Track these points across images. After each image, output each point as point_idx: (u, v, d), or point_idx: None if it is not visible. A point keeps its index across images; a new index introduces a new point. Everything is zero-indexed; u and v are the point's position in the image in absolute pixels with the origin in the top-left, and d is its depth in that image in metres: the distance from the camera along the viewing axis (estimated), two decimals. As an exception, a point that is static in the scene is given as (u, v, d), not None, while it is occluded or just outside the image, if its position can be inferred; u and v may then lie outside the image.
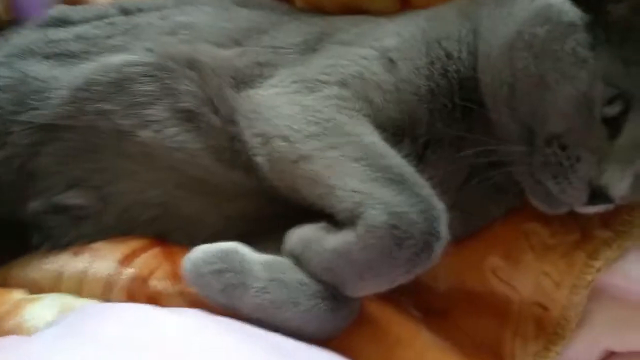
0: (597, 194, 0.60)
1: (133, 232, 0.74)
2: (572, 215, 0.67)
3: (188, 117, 0.70)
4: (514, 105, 0.64)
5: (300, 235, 0.63)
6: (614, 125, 0.60)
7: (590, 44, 0.61)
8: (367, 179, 0.60)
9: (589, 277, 0.65)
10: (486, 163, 0.68)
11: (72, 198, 0.74)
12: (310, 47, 0.74)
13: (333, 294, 0.60)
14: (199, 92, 0.70)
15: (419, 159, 0.67)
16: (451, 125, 0.67)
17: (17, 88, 0.73)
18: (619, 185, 0.60)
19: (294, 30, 0.77)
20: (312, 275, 0.60)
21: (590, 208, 0.63)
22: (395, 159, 0.62)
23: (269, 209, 0.69)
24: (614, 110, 0.60)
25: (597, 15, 0.62)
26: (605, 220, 0.68)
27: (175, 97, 0.71)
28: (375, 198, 0.58)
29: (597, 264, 0.65)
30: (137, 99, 0.71)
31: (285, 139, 0.64)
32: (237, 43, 0.75)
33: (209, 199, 0.71)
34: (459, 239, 0.72)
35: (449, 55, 0.69)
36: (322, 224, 0.62)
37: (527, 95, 0.62)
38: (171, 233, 0.74)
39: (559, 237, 0.68)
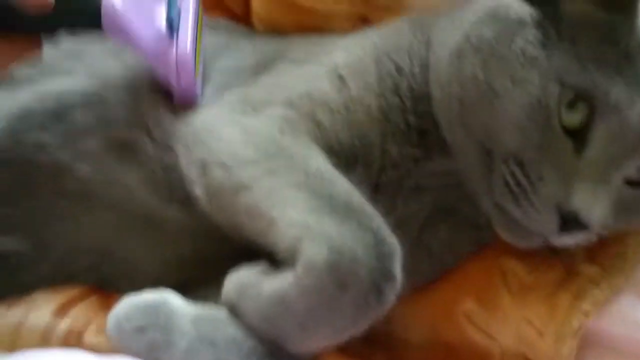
0: (569, 220, 0.52)
1: (73, 280, 0.67)
2: (554, 248, 0.59)
3: (123, 147, 0.64)
4: (467, 121, 0.56)
5: (237, 280, 0.55)
6: (579, 137, 0.52)
7: (542, 42, 0.53)
8: (309, 209, 0.52)
9: (576, 323, 0.56)
10: (452, 193, 0.61)
11: (6, 244, 0.67)
12: (262, 68, 0.68)
13: (273, 351, 0.52)
14: (134, 119, 0.64)
15: (374, 188, 0.60)
16: (407, 149, 0.60)
17: None
18: (592, 208, 0.51)
19: (247, 51, 0.71)
20: (249, 328, 0.52)
21: (565, 238, 0.54)
22: (342, 186, 0.54)
23: (213, 250, 0.61)
24: (576, 117, 0.52)
25: (549, 12, 0.55)
26: (591, 253, 0.59)
27: (110, 126, 0.64)
28: (315, 231, 0.50)
29: (585, 306, 0.56)
30: (74, 130, 0.64)
31: (223, 166, 0.56)
32: None
33: (148, 241, 0.64)
34: (429, 282, 0.64)
35: (399, 70, 0.62)
36: (261, 266, 0.54)
37: (478, 107, 0.55)
38: (112, 280, 0.66)
39: (538, 275, 0.59)
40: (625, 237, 0.60)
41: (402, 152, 0.60)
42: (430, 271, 0.64)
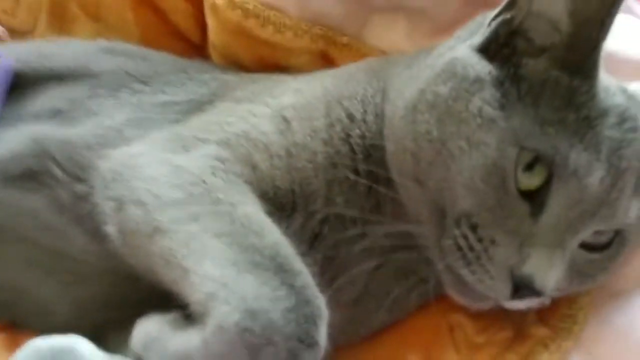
0: (523, 286, 0.49)
1: None
2: (506, 311, 0.57)
3: (31, 176, 0.60)
4: (420, 177, 0.53)
5: (144, 331, 0.51)
6: (536, 201, 0.50)
7: (500, 103, 0.51)
8: (227, 263, 0.48)
9: (523, 386, 0.54)
10: (402, 246, 0.57)
11: None
12: (198, 106, 0.64)
13: None
14: (42, 152, 0.61)
15: (315, 237, 0.56)
16: (354, 201, 0.57)
17: None
18: (547, 275, 0.49)
19: (185, 87, 0.67)
20: None
21: (517, 303, 0.52)
22: (270, 237, 0.50)
23: (129, 292, 0.57)
24: (534, 180, 0.50)
25: (510, 71, 0.52)
26: (542, 314, 0.57)
27: (14, 160, 0.61)
28: (230, 289, 0.46)
29: (532, 368, 0.54)
30: None
31: (141, 205, 0.52)
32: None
33: (59, 279, 0.60)
34: (374, 335, 0.61)
35: (350, 117, 0.58)
36: (171, 316, 0.50)
37: (432, 165, 0.52)
38: (25, 319, 0.62)
39: (487, 335, 0.57)
40: (577, 299, 0.57)
41: (349, 202, 0.57)
42: (379, 322, 0.61)
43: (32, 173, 0.60)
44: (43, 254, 0.61)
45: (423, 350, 0.59)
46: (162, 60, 0.73)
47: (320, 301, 0.47)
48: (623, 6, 0.66)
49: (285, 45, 0.74)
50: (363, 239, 0.57)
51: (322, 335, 0.47)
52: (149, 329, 0.51)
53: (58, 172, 0.60)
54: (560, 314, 0.57)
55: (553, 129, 0.50)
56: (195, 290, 0.48)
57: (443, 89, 0.53)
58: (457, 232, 0.51)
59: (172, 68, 0.70)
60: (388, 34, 0.74)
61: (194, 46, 0.81)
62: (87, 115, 0.64)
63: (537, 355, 0.55)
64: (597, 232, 0.53)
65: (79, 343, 0.50)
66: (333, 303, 0.58)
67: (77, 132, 0.61)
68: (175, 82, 0.67)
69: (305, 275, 0.48)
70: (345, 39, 0.74)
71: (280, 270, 0.48)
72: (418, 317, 0.61)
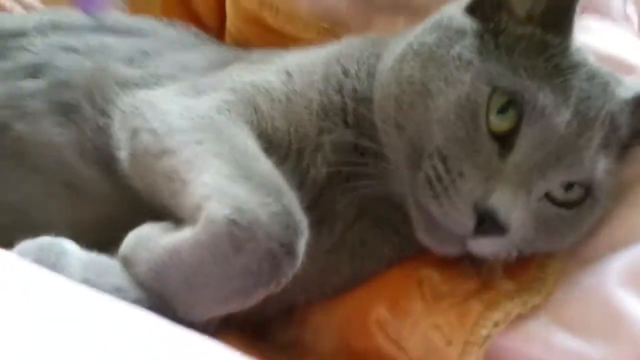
0: (486, 220, 0.51)
1: None
2: (475, 265, 0.58)
3: (65, 110, 0.64)
4: (401, 121, 0.57)
5: (137, 233, 0.53)
6: (507, 142, 0.53)
7: (478, 50, 0.56)
8: (224, 175, 0.51)
9: (484, 332, 0.53)
10: (381, 199, 0.60)
11: None
12: (214, 68, 0.70)
13: (160, 307, 0.48)
14: (84, 86, 0.65)
15: (302, 181, 0.59)
16: (340, 150, 0.60)
17: None
18: (510, 210, 0.51)
19: (205, 53, 0.74)
20: (138, 281, 0.50)
21: (483, 243, 0.53)
22: (264, 163, 0.54)
23: (128, 216, 0.58)
24: (505, 122, 0.53)
25: (490, 26, 0.58)
26: (511, 272, 0.57)
27: (57, 88, 0.65)
28: (224, 192, 0.49)
29: (495, 316, 0.54)
30: (20, 91, 0.65)
31: (153, 132, 0.57)
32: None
33: (65, 204, 0.63)
34: (348, 287, 0.63)
35: (345, 72, 0.64)
36: (164, 224, 0.53)
37: (412, 107, 0.56)
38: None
39: (454, 285, 0.57)
40: (549, 263, 0.58)
41: (336, 149, 0.61)
42: (351, 273, 0.62)
43: (68, 107, 0.65)
44: (55, 185, 0.64)
45: (390, 301, 0.59)
46: (195, 33, 0.80)
47: (303, 218, 0.50)
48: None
49: (295, 36, 0.81)
50: (346, 187, 0.60)
51: (300, 247, 0.49)
52: (141, 232, 0.54)
53: (88, 108, 0.64)
54: (531, 275, 0.58)
55: (525, 73, 0.54)
56: (191, 197, 0.51)
57: (429, 38, 0.59)
58: (428, 164, 0.54)
59: (200, 39, 0.79)
60: (389, 32, 0.80)
61: (210, 31, 0.87)
62: (140, 62, 0.69)
63: (501, 304, 0.55)
64: (567, 188, 0.55)
65: (65, 241, 0.53)
66: (309, 250, 0.61)
67: (126, 72, 0.66)
68: (200, 49, 0.75)
69: (292, 196, 0.51)
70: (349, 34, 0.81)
71: (271, 187, 0.51)
72: (390, 273, 0.62)
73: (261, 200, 0.49)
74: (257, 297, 0.49)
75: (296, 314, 0.63)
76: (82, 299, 0.43)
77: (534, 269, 0.58)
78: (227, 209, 0.47)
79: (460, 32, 0.58)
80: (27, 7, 0.89)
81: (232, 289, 0.48)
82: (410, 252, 0.62)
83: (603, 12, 0.78)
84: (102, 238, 0.60)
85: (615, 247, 0.57)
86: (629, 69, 0.68)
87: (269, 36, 0.82)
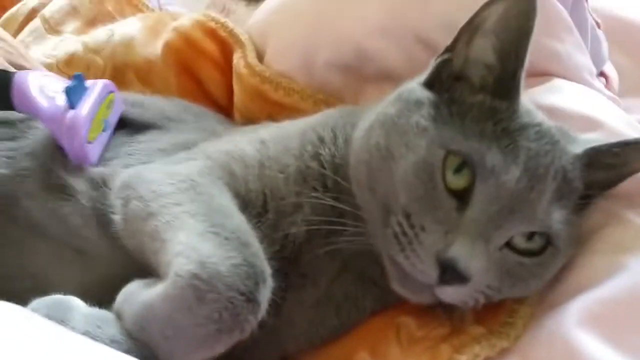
0: (448, 270, 0.56)
1: (10, 301, 0.72)
2: (448, 312, 0.62)
3: (61, 189, 0.71)
4: (372, 185, 0.63)
5: (125, 290, 0.60)
6: (464, 199, 0.58)
7: (433, 118, 0.63)
8: (196, 232, 0.57)
9: (452, 374, 0.58)
10: (361, 255, 0.65)
11: None
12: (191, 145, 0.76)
13: (149, 356, 0.54)
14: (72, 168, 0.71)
15: (285, 237, 0.65)
16: (320, 211, 0.65)
17: None
18: (469, 259, 0.56)
19: (184, 131, 0.80)
20: (128, 333, 0.55)
21: (447, 290, 0.58)
22: (237, 220, 0.60)
23: (127, 275, 0.64)
24: (461, 181, 0.59)
25: (445, 97, 0.64)
26: (481, 318, 0.62)
27: (49, 173, 0.72)
28: (193, 248, 0.55)
29: (463, 359, 0.58)
30: (21, 171, 0.72)
31: (141, 199, 0.64)
32: None
33: (74, 267, 0.69)
34: (334, 336, 0.68)
35: (321, 139, 0.70)
36: (149, 280, 0.59)
37: (380, 171, 0.62)
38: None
39: (427, 329, 0.62)
40: (518, 309, 0.62)
41: (315, 210, 0.66)
42: (337, 324, 0.67)
43: (59, 187, 0.71)
44: (65, 250, 0.70)
45: (371, 347, 0.64)
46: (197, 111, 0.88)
47: (265, 269, 0.56)
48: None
49: (293, 106, 0.89)
50: (327, 244, 0.65)
51: (263, 296, 0.54)
52: (128, 288, 0.60)
53: (83, 184, 0.70)
54: (501, 320, 0.61)
55: (475, 137, 0.60)
56: (167, 254, 0.57)
57: (392, 110, 0.65)
58: (394, 221, 0.59)
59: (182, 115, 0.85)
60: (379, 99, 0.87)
61: (221, 108, 0.97)
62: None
63: (469, 347, 0.59)
64: (529, 237, 0.60)
65: (71, 298, 0.59)
66: (296, 304, 0.67)
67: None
68: (177, 128, 0.81)
69: (258, 249, 0.57)
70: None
71: (238, 241, 0.57)
72: (371, 321, 0.67)
73: (225, 254, 0.54)
74: (224, 344, 0.53)
75: (287, 361, 0.68)
76: (81, 349, 0.50)
77: (504, 314, 0.62)
78: (191, 264, 0.53)
79: (418, 103, 0.64)
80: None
81: (200, 337, 0.53)
82: (391, 302, 0.66)
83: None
84: (107, 294, 0.68)
85: (578, 291, 0.60)
86: (596, 124, 0.73)
87: (271, 108, 0.90)
